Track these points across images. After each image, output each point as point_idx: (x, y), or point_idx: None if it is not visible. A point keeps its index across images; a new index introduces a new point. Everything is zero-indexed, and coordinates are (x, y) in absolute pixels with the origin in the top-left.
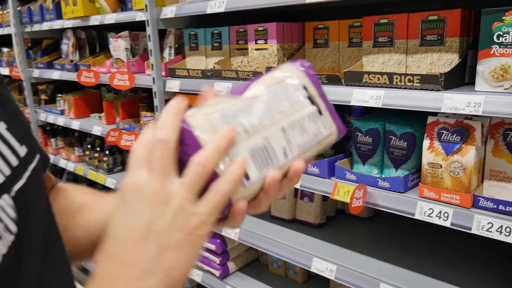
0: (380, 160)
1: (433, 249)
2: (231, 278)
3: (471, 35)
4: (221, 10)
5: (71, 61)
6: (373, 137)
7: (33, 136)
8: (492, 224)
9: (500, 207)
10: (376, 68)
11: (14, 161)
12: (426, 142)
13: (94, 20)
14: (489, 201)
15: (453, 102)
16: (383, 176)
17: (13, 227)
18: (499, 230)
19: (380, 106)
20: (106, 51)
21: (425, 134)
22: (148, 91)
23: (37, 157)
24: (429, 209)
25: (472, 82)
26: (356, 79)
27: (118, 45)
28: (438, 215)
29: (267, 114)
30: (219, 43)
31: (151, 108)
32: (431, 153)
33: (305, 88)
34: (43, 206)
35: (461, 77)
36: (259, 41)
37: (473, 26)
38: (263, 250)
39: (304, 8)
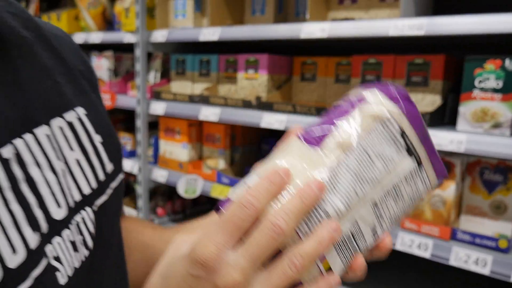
0: None
1: (409, 280)
2: None
3: (452, 79)
4: (215, 38)
5: None
6: None
7: (121, 155)
8: (468, 256)
9: (476, 240)
10: None
11: (101, 176)
12: None
13: (78, 38)
14: (466, 234)
15: (437, 139)
16: None
17: (90, 242)
18: (475, 262)
19: None
20: None
21: None
22: (125, 112)
23: (120, 177)
24: (410, 239)
25: (450, 123)
26: None
27: (101, 64)
28: (418, 246)
29: (357, 186)
30: (208, 70)
31: (128, 129)
32: None
33: (402, 133)
34: (117, 229)
35: (441, 117)
36: (249, 71)
37: (454, 71)
38: None
39: (291, 43)
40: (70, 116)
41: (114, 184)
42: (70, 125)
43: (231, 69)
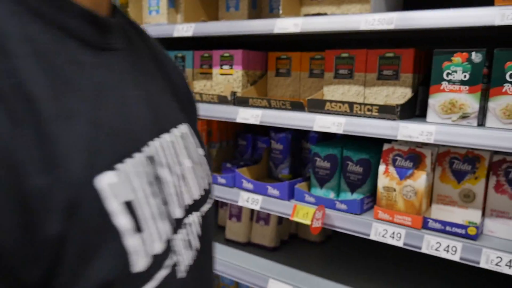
0: (337, 184)
1: (384, 269)
2: None
3: (422, 72)
4: (189, 34)
5: None
6: (331, 162)
7: None
8: (440, 243)
9: (447, 228)
10: (336, 97)
11: (206, 186)
12: (381, 167)
13: None
14: (437, 223)
15: (408, 130)
16: (339, 199)
17: (198, 244)
18: (446, 249)
19: (341, 132)
20: None
21: (381, 160)
22: None
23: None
24: (384, 230)
25: (421, 115)
26: (319, 106)
27: None
28: (392, 235)
29: None
30: (182, 66)
31: None
32: (386, 177)
33: None
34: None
35: (412, 110)
36: (224, 66)
37: (423, 64)
38: (219, 273)
39: (266, 39)
40: (182, 128)
41: (213, 195)
42: (183, 136)
43: (206, 65)
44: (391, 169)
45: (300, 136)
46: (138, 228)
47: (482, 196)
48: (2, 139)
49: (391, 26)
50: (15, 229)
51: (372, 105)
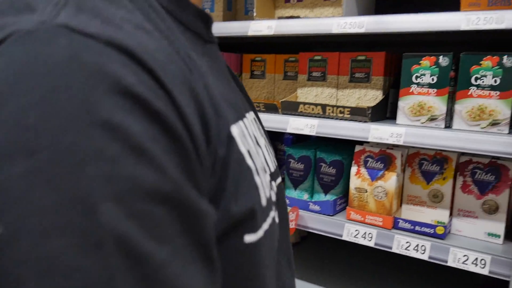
0: (311, 185)
1: (359, 269)
2: None
3: (393, 75)
4: None
5: None
6: (304, 164)
7: None
8: (409, 243)
9: (416, 227)
10: (310, 99)
11: (276, 163)
12: (353, 169)
13: None
14: (407, 223)
15: (379, 132)
16: (312, 200)
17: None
18: (415, 248)
19: (314, 134)
20: None
21: (353, 161)
22: None
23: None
24: (355, 230)
25: (392, 117)
26: (292, 108)
27: None
28: (364, 236)
29: None
30: None
31: None
32: (357, 178)
33: None
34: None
35: (383, 112)
36: None
37: (394, 68)
38: None
39: (240, 41)
40: (251, 114)
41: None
42: (254, 119)
43: None
44: (363, 170)
45: (274, 138)
46: (257, 172)
47: (450, 196)
48: (187, 77)
49: (362, 30)
50: (204, 143)
51: (344, 107)
